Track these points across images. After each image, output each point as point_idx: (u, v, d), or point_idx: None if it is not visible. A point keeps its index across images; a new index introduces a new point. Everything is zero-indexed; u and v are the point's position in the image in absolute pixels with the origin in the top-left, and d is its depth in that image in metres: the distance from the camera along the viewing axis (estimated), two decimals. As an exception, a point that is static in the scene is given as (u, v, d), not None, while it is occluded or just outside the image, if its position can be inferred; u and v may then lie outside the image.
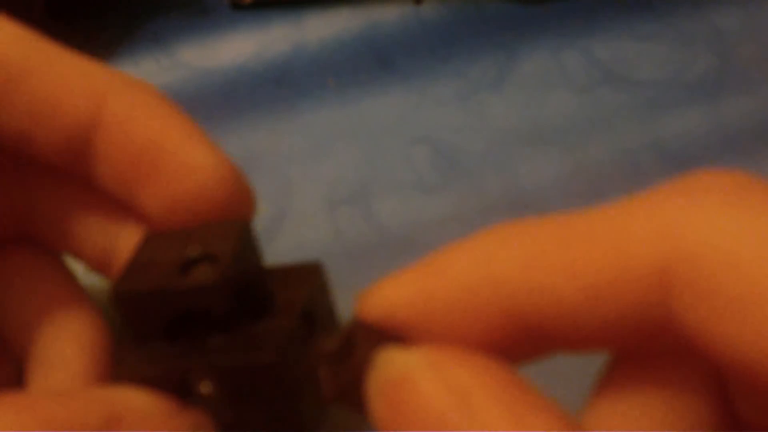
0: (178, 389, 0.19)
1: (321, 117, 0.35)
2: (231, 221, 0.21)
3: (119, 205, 0.23)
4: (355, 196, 0.33)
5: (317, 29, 0.38)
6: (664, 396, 0.15)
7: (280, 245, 0.32)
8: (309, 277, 0.21)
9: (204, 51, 0.37)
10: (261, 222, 0.33)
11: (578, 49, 0.37)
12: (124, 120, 0.21)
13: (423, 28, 0.38)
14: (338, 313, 0.23)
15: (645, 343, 0.15)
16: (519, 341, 0.15)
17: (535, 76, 0.37)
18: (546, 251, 0.15)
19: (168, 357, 0.19)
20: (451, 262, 0.16)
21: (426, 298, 0.16)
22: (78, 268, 0.26)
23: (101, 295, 0.27)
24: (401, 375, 0.15)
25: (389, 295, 0.16)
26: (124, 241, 0.23)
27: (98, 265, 0.24)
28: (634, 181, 0.34)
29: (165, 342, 0.20)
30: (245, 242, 0.20)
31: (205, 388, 0.19)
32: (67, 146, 0.21)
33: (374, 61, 0.37)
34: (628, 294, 0.14)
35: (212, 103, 0.36)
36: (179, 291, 0.19)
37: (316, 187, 0.33)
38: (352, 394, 0.16)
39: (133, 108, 0.21)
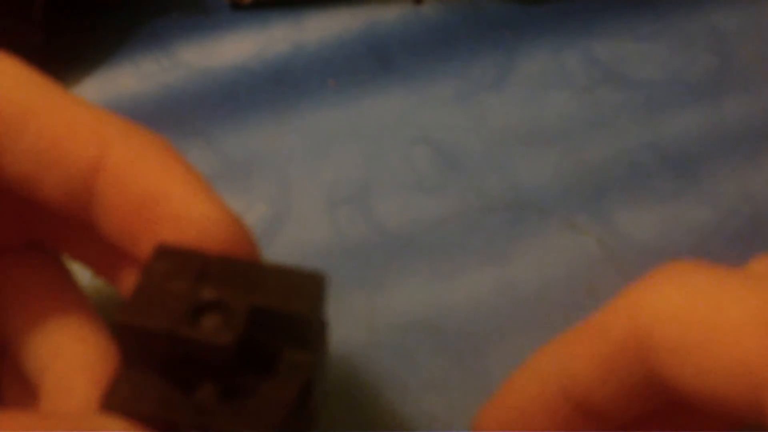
0: (166, 429, 0.19)
1: (321, 117, 0.35)
2: (249, 262, 0.21)
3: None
4: (355, 196, 0.33)
5: (317, 29, 0.38)
6: None
7: (280, 245, 0.32)
8: (314, 325, 0.21)
9: (204, 51, 0.37)
10: (261, 222, 0.33)
11: (578, 49, 0.37)
12: (126, 167, 0.21)
13: (423, 28, 0.38)
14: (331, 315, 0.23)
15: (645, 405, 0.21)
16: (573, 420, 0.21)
17: (535, 76, 0.37)
18: (576, 355, 0.21)
19: (160, 400, 0.19)
20: (525, 379, 0.22)
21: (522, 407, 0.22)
22: (85, 273, 0.26)
23: (107, 299, 0.27)
24: None
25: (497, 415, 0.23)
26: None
27: (105, 271, 0.24)
28: (634, 181, 0.34)
29: (160, 377, 0.19)
30: (260, 294, 0.20)
31: None
32: (70, 191, 0.21)
33: (374, 61, 0.37)
34: (619, 367, 0.20)
35: (212, 103, 0.36)
36: (184, 339, 0.19)
37: (316, 187, 0.33)
38: None
39: (136, 155, 0.21)
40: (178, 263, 0.20)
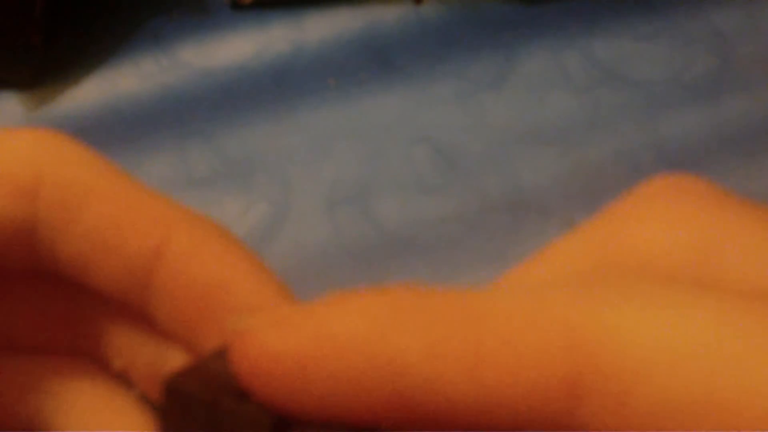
0: None
1: (321, 117, 0.35)
2: None
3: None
4: (355, 196, 0.33)
5: (317, 29, 0.38)
6: None
7: (280, 245, 0.32)
8: None
9: (204, 51, 0.37)
10: (261, 222, 0.33)
11: (578, 49, 0.37)
12: (188, 256, 0.21)
13: (423, 28, 0.38)
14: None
15: None
16: (398, 419, 0.15)
17: (535, 76, 0.37)
18: (451, 342, 0.14)
19: None
20: (345, 323, 0.15)
21: (310, 360, 0.15)
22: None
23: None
24: None
25: (273, 345, 0.15)
26: (173, 360, 0.22)
27: (147, 383, 0.24)
28: (633, 181, 0.34)
29: None
30: None
31: None
32: (127, 277, 0.21)
33: (374, 61, 0.37)
34: (534, 402, 0.14)
35: (212, 103, 0.36)
36: (225, 411, 0.19)
37: (316, 187, 0.33)
38: None
39: (197, 243, 0.21)
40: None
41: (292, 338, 0.15)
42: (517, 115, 0.35)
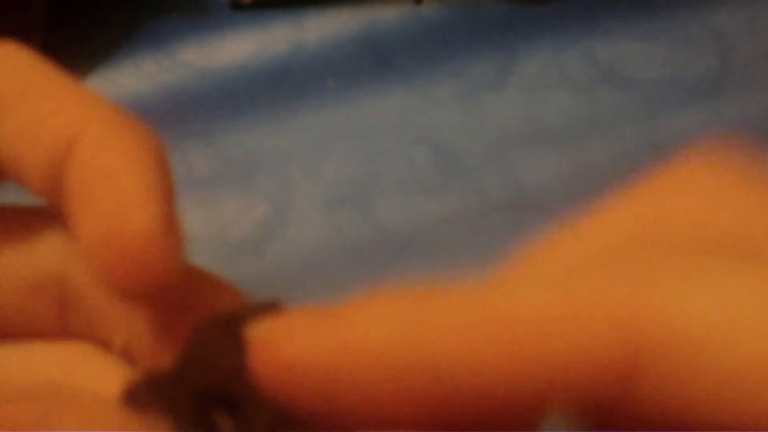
0: None
1: (321, 117, 0.35)
2: None
3: None
4: (355, 196, 0.33)
5: (317, 29, 0.38)
6: None
7: (280, 245, 0.32)
8: None
9: (204, 51, 0.37)
10: (261, 222, 0.33)
11: (578, 49, 0.37)
12: (96, 148, 0.22)
13: (423, 28, 0.38)
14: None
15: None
16: (440, 420, 0.14)
17: (535, 76, 0.37)
18: (494, 339, 0.14)
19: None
20: (375, 331, 0.14)
21: (341, 371, 0.14)
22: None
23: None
24: None
25: (297, 355, 0.15)
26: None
27: (151, 355, 0.24)
28: (633, 181, 0.34)
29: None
30: None
31: None
32: (47, 170, 0.22)
33: (374, 61, 0.37)
34: (591, 384, 0.14)
35: (212, 103, 0.36)
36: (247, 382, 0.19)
37: (316, 187, 0.33)
38: None
39: (101, 137, 0.22)
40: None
41: (318, 349, 0.14)
42: (517, 115, 0.35)
